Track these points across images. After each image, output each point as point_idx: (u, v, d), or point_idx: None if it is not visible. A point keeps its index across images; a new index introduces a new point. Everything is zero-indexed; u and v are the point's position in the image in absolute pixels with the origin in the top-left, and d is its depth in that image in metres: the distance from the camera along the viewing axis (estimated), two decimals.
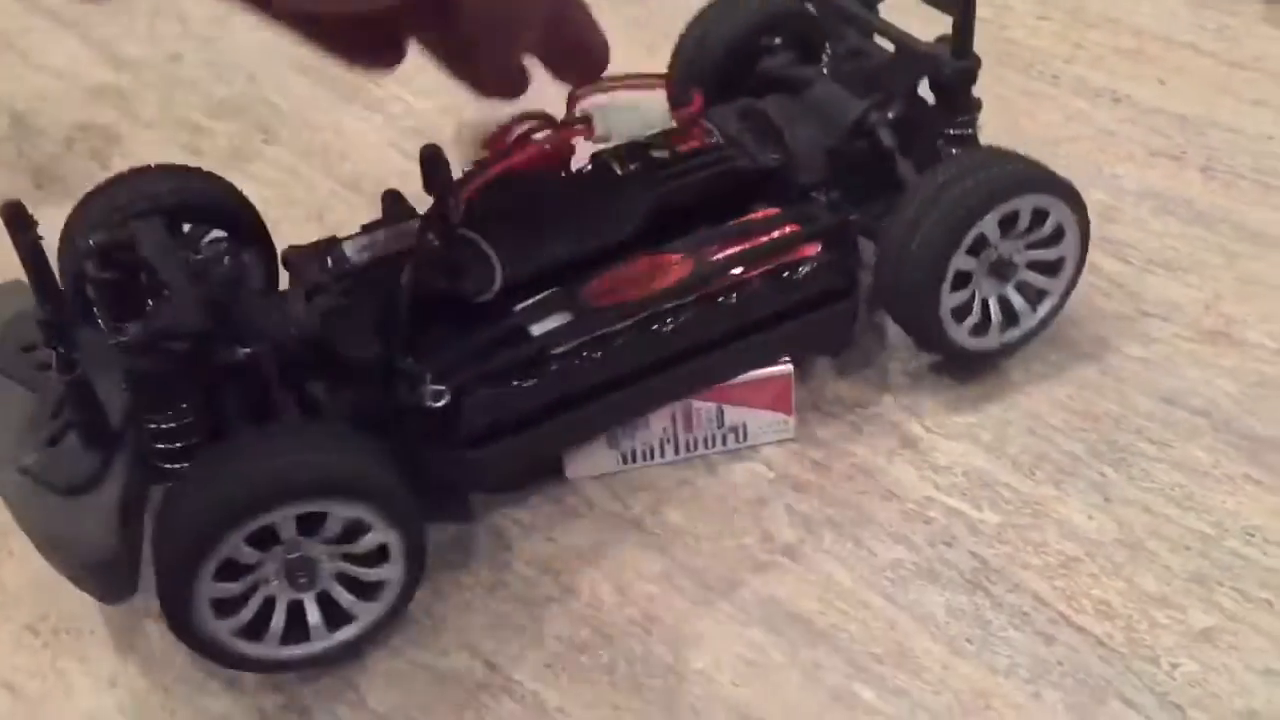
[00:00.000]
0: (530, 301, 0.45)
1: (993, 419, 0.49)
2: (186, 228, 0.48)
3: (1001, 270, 0.48)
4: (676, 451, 0.48)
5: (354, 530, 0.40)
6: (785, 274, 0.46)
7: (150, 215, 0.44)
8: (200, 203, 0.48)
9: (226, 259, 0.45)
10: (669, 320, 0.45)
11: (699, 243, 0.47)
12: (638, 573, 0.45)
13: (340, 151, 0.65)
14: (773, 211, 0.48)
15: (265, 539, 0.39)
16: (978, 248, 0.46)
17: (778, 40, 0.54)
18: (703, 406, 0.47)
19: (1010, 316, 0.49)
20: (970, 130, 0.50)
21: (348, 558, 0.41)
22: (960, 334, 0.48)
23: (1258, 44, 0.68)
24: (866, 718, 0.40)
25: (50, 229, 0.65)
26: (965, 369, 0.50)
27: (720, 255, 0.46)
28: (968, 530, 0.45)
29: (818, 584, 0.44)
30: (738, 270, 0.46)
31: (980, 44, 0.49)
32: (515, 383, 0.43)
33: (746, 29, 0.54)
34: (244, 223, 0.49)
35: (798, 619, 0.43)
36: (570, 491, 0.48)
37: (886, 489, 0.47)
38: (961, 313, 0.47)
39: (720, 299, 0.46)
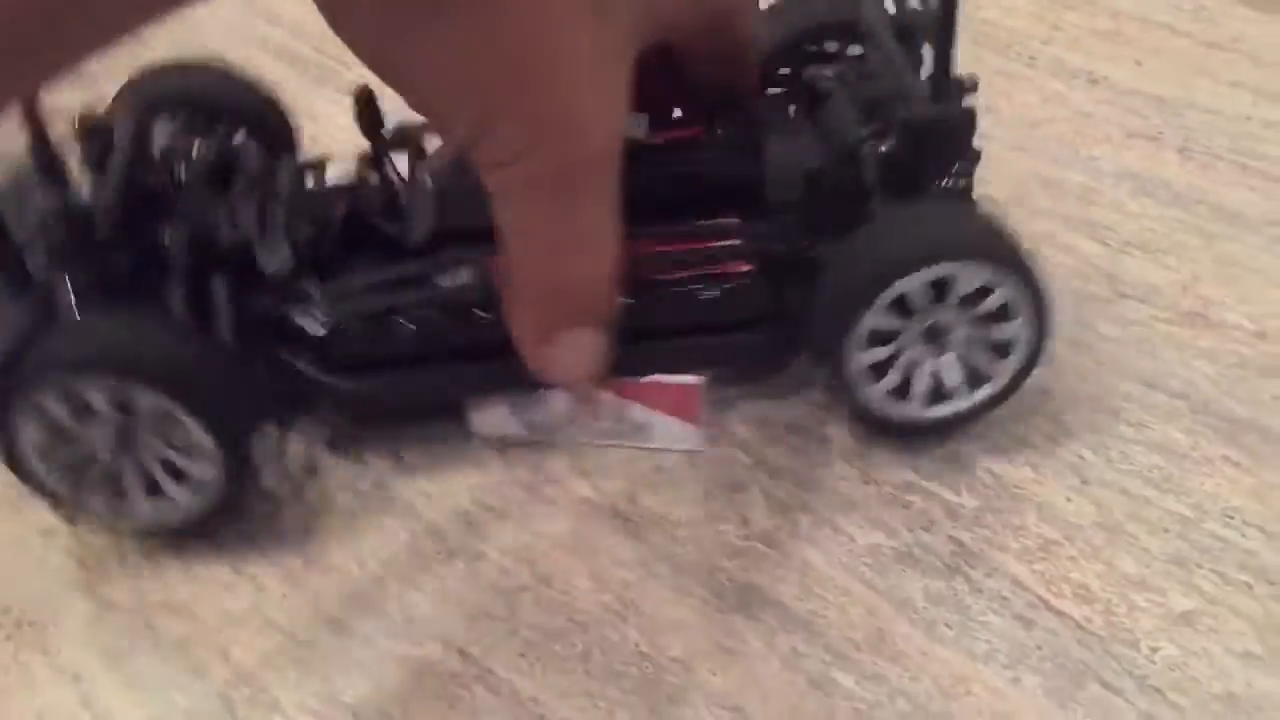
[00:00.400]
0: (452, 255, 0.45)
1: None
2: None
3: (937, 339, 0.44)
4: (587, 436, 0.48)
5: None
6: (705, 286, 0.45)
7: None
8: (231, 104, 0.51)
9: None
10: None
11: (641, 235, 0.46)
12: (613, 559, 0.45)
13: (311, 135, 0.64)
14: (731, 221, 0.46)
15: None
16: (908, 308, 0.43)
17: (832, 47, 0.52)
18: (605, 397, 0.46)
19: (940, 391, 0.45)
20: (962, 183, 0.46)
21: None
22: (874, 395, 0.45)
23: (1235, 25, 0.68)
24: (845, 704, 0.40)
25: None
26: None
27: (652, 251, 0.45)
28: (946, 514, 0.45)
29: (795, 570, 0.44)
30: (658, 270, 0.45)
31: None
32: (400, 323, 0.45)
33: (797, 33, 0.51)
34: (271, 126, 0.52)
35: (776, 605, 0.43)
36: (545, 479, 0.48)
37: (865, 474, 0.47)
38: (877, 372, 0.45)
39: (634, 295, 0.44)
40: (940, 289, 0.43)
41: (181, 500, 0.45)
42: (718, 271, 0.45)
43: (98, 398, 0.42)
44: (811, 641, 0.42)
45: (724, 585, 0.44)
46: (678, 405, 0.47)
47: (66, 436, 0.43)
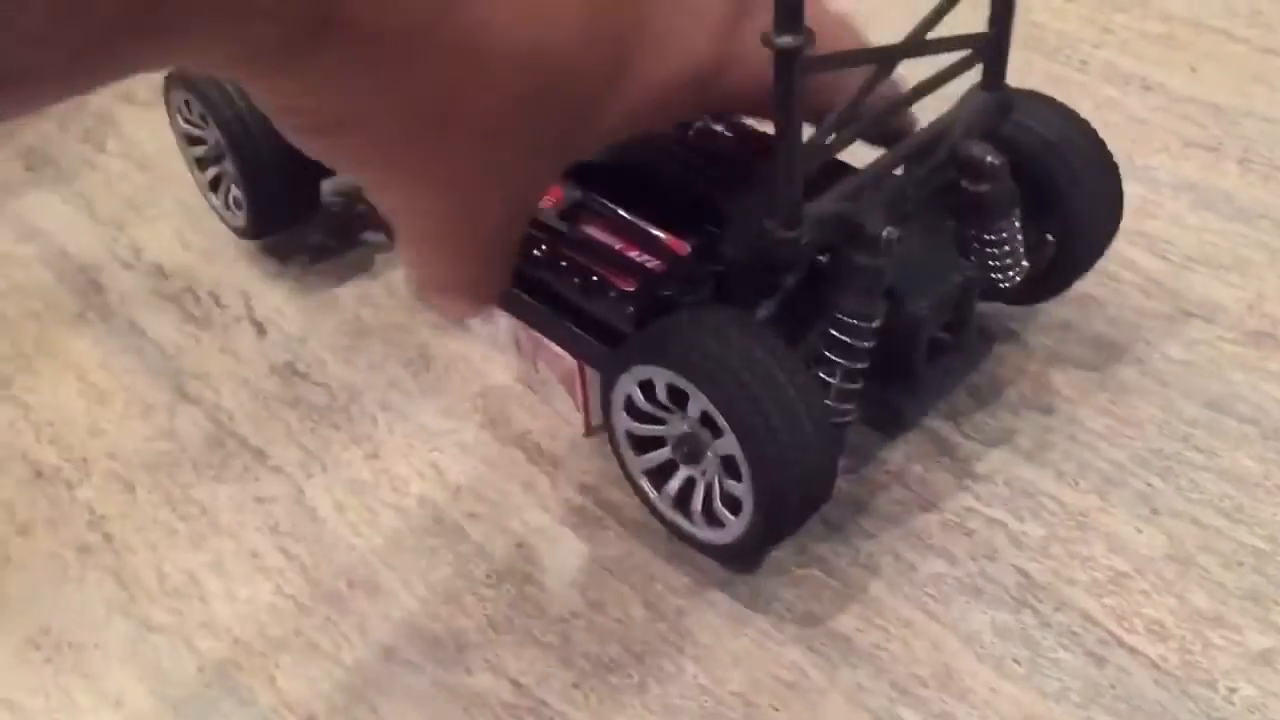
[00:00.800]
0: None
1: (1032, 425, 0.48)
2: None
3: (691, 452, 0.41)
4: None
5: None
6: (591, 281, 0.44)
7: None
8: None
9: None
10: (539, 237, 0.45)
11: (593, 205, 0.46)
12: (667, 586, 0.44)
13: None
14: (677, 241, 0.44)
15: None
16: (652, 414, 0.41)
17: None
18: (529, 336, 0.48)
19: (711, 511, 0.42)
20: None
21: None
22: (663, 504, 0.43)
23: None
24: None
25: (40, 215, 0.63)
26: (990, 378, 0.49)
27: (587, 229, 0.45)
28: (1010, 543, 0.44)
29: (856, 599, 0.42)
30: (576, 250, 0.45)
31: None
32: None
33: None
34: None
35: (837, 637, 0.41)
36: (593, 498, 0.46)
37: (924, 499, 0.45)
38: (659, 478, 0.43)
39: (558, 256, 0.45)
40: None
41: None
42: (613, 274, 0.44)
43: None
44: (876, 677, 0.40)
45: (782, 615, 0.42)
46: (566, 378, 0.47)
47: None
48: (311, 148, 0.32)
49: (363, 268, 0.58)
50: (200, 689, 0.42)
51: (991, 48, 0.42)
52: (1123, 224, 0.56)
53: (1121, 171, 0.59)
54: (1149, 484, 0.45)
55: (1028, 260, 0.46)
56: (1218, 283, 0.53)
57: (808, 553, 0.44)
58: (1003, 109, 0.45)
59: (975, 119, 0.44)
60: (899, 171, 0.43)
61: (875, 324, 0.42)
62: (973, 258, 0.46)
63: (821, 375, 0.42)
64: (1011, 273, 0.46)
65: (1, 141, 0.68)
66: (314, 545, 0.46)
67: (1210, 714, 0.38)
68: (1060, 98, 0.64)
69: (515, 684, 0.41)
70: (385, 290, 0.56)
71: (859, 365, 0.42)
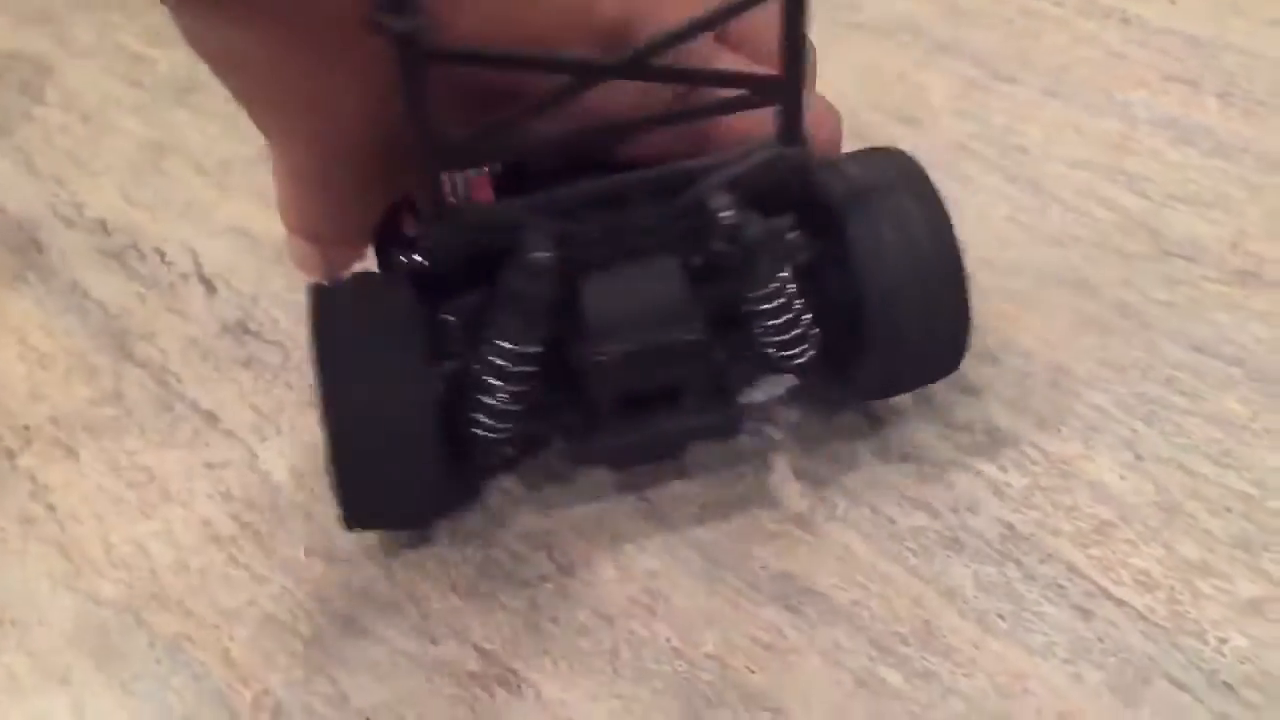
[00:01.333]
0: None
1: (1012, 371, 0.46)
2: None
3: None
4: None
5: None
6: None
7: None
8: None
9: None
10: None
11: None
12: (638, 547, 0.42)
13: None
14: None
15: None
16: None
17: None
18: None
19: None
20: None
21: None
22: None
23: None
24: (895, 704, 0.37)
25: None
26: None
27: None
28: (992, 494, 0.42)
29: (834, 556, 0.41)
30: None
31: None
32: None
33: None
34: None
35: (814, 595, 0.40)
36: (561, 458, 0.45)
37: (901, 450, 0.44)
38: None
39: None
40: None
41: None
42: None
43: None
44: (855, 635, 0.39)
45: (758, 574, 0.41)
46: None
47: None
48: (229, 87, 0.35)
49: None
50: (151, 664, 0.40)
51: (784, 94, 0.36)
52: (1102, 161, 0.54)
53: (1100, 108, 0.57)
54: (1133, 430, 0.44)
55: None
56: (1200, 220, 0.51)
57: (782, 508, 0.42)
58: (795, 169, 0.38)
59: (753, 172, 0.38)
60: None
61: (531, 351, 0.38)
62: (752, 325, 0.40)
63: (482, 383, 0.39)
64: (785, 352, 0.40)
65: None
66: (269, 513, 0.44)
67: (1200, 665, 0.37)
68: (1037, 32, 0.62)
69: (481, 651, 0.40)
70: None
71: (513, 388, 0.39)
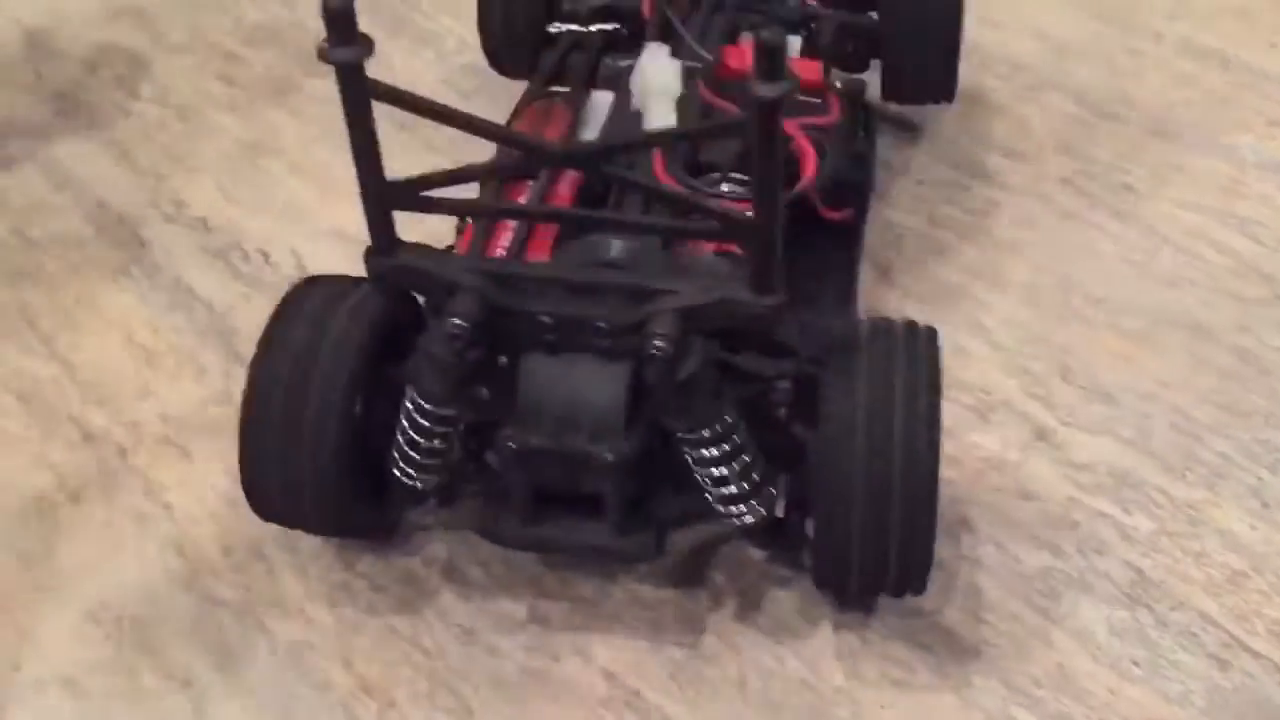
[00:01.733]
0: None
1: (1131, 411, 0.46)
2: None
3: None
4: None
5: None
6: None
7: None
8: None
9: None
10: None
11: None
12: (762, 574, 0.42)
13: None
14: None
15: None
16: None
17: None
18: None
19: None
20: None
21: None
22: None
23: None
24: None
25: (74, 163, 0.60)
26: (1081, 360, 0.47)
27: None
28: (1119, 536, 0.42)
29: (961, 593, 0.41)
30: None
31: None
32: None
33: None
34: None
35: (943, 632, 0.40)
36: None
37: (1023, 487, 0.44)
38: None
39: None
40: None
41: None
42: None
43: None
44: (987, 675, 0.39)
45: (884, 608, 0.41)
46: None
47: None
48: None
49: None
50: (273, 671, 0.40)
51: (754, 238, 0.34)
52: (1211, 203, 0.54)
53: (1205, 150, 0.57)
54: (1259, 478, 0.43)
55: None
56: None
57: None
58: (755, 320, 0.35)
59: (708, 310, 0.35)
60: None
61: (444, 413, 0.37)
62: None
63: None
64: (726, 507, 0.37)
65: (29, 86, 0.65)
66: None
67: None
68: (1137, 72, 0.62)
69: (607, 674, 0.39)
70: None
71: (426, 444, 0.38)
